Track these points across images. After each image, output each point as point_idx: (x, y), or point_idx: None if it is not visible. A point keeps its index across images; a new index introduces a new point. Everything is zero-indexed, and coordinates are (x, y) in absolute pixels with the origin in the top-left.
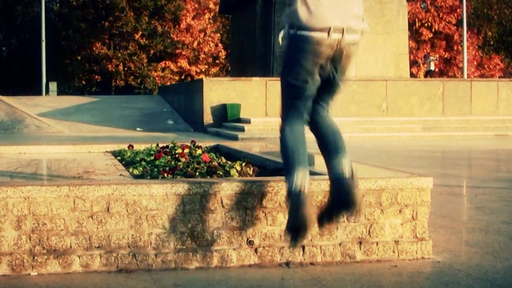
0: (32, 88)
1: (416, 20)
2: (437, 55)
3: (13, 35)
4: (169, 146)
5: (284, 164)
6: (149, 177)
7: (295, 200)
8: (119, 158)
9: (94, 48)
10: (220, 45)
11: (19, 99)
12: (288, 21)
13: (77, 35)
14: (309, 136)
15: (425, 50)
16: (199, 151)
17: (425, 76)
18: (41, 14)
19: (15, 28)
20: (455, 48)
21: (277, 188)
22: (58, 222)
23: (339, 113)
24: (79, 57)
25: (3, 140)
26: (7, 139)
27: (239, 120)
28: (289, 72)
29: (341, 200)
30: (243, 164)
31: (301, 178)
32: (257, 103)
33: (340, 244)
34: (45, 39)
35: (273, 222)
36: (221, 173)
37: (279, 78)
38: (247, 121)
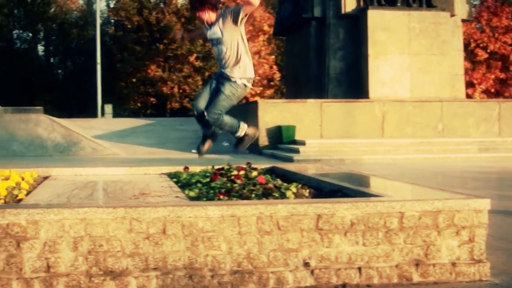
0: (87, 110)
1: (471, 40)
2: None
3: (68, 58)
4: (225, 168)
5: (232, 127)
6: (205, 199)
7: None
8: (174, 180)
9: (149, 71)
10: (274, 67)
11: (74, 121)
12: (241, 75)
13: (132, 57)
14: None
15: (480, 71)
16: (254, 173)
17: None
18: (96, 37)
19: (70, 51)
20: (511, 68)
21: (333, 210)
22: (115, 244)
23: (395, 134)
24: (134, 80)
25: (60, 162)
26: (63, 161)
27: (294, 142)
28: (230, 101)
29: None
30: (299, 186)
31: (243, 123)
32: (312, 124)
33: (396, 266)
34: (100, 62)
35: (329, 244)
36: (277, 195)
37: (334, 100)
38: (302, 143)
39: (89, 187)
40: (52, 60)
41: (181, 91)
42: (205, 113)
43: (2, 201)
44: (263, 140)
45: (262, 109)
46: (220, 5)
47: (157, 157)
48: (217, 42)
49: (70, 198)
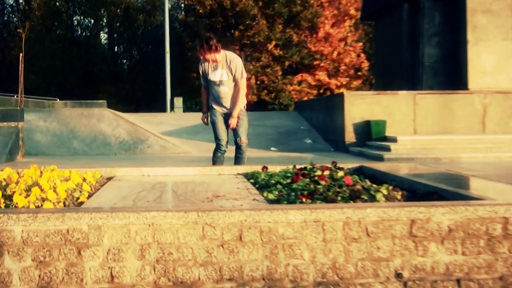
0: (155, 104)
1: None
2: None
3: (134, 47)
4: (307, 167)
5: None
6: (285, 202)
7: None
8: (252, 181)
9: None
10: (362, 55)
11: (141, 116)
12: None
13: None
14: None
15: None
16: (340, 173)
17: None
18: (165, 23)
19: (136, 39)
20: None
21: (429, 214)
22: (186, 252)
23: (498, 129)
24: None
25: (125, 161)
26: (129, 160)
27: (385, 138)
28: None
29: None
30: (390, 187)
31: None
32: (404, 119)
33: (500, 278)
34: (169, 50)
35: (424, 252)
36: (365, 198)
37: (429, 91)
38: (394, 140)
39: (158, 189)
40: (116, 49)
41: (258, 82)
42: (239, 141)
43: (62, 204)
44: (350, 137)
45: (349, 102)
46: (219, 46)
47: (232, 155)
48: (221, 83)
49: (137, 201)
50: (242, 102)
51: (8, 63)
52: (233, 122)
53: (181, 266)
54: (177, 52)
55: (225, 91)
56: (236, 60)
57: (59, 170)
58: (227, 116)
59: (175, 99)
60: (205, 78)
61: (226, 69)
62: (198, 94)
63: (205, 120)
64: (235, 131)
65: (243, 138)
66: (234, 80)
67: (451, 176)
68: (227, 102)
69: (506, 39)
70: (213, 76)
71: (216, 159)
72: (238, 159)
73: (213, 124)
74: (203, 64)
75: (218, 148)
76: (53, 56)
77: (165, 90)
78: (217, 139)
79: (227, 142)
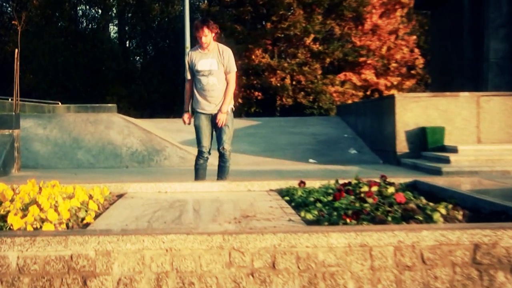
0: (173, 109)
1: None
2: None
3: (149, 42)
4: (352, 182)
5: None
6: (326, 223)
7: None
8: (287, 198)
9: (253, 57)
10: (416, 50)
11: (157, 122)
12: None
13: (231, 40)
14: None
15: None
16: (391, 189)
17: None
18: (185, 14)
19: (151, 33)
20: None
21: (496, 238)
22: (209, 282)
23: None
24: None
25: (138, 175)
26: (143, 174)
27: (443, 148)
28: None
29: None
30: (450, 206)
31: None
32: (466, 125)
33: None
34: (189, 46)
35: (490, 283)
36: (420, 218)
37: (495, 93)
38: (454, 150)
39: (176, 208)
40: (127, 44)
41: (294, 83)
42: (221, 149)
43: (64, 225)
44: (402, 146)
45: (400, 106)
46: (217, 31)
47: (264, 168)
48: (210, 73)
49: (152, 222)
50: (231, 98)
51: (1, 61)
52: (221, 118)
53: None
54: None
55: (214, 83)
56: (229, 51)
57: (61, 185)
58: (212, 118)
59: None
60: (191, 70)
61: (217, 59)
62: None
63: (185, 119)
64: (218, 137)
65: (226, 146)
66: (224, 72)
67: None
68: (213, 97)
69: None
70: (202, 65)
71: (198, 167)
72: (221, 168)
73: (197, 129)
74: (190, 53)
75: (200, 155)
76: (54, 52)
77: (184, 92)
78: (199, 145)
79: (210, 149)
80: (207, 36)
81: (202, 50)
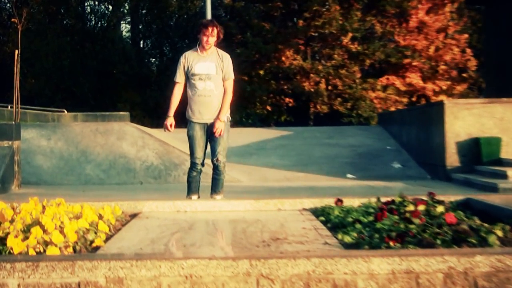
0: None
1: None
2: None
3: (165, 41)
4: (396, 201)
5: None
6: (367, 247)
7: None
8: (322, 218)
9: (284, 59)
10: (468, 50)
11: (175, 133)
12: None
13: (259, 39)
14: None
15: None
16: (440, 209)
17: None
18: (206, 10)
19: (168, 31)
20: None
21: None
22: None
23: None
24: (261, 72)
25: (154, 192)
26: (160, 191)
27: (500, 161)
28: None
29: None
30: (507, 227)
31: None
32: None
33: None
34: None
35: None
36: (474, 241)
37: None
38: None
39: (197, 230)
40: (141, 44)
41: (330, 87)
42: (215, 161)
43: (71, 249)
44: (452, 160)
45: (450, 114)
46: (221, 37)
47: (295, 184)
48: (207, 77)
49: (170, 246)
50: (228, 106)
51: None
52: (220, 127)
53: None
54: (222, 47)
55: (211, 88)
56: (228, 57)
57: (67, 204)
58: (207, 128)
59: None
60: (185, 74)
61: (215, 63)
62: (249, 104)
63: (169, 126)
64: (213, 148)
65: (221, 157)
66: (222, 78)
67: None
68: (209, 104)
69: None
70: (199, 68)
71: (191, 179)
72: (215, 181)
73: (190, 140)
74: (187, 55)
75: (193, 167)
76: (59, 53)
77: None
78: (192, 157)
79: (203, 161)
80: (214, 37)
81: (201, 53)
